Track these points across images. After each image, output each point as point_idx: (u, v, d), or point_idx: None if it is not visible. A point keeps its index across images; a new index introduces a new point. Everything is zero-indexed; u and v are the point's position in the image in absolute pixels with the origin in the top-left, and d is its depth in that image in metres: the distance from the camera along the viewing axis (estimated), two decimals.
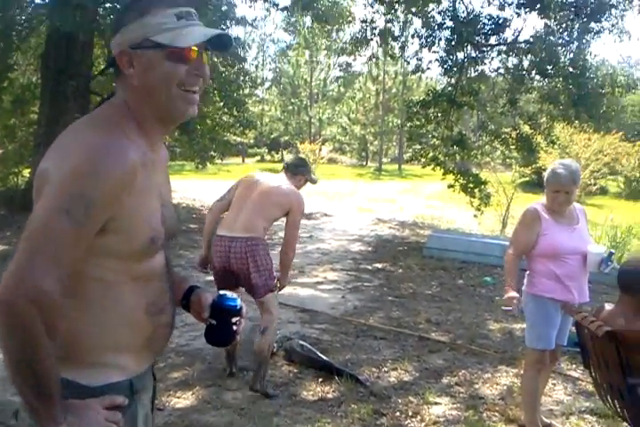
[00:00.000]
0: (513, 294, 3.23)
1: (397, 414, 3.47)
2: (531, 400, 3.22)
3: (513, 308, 3.32)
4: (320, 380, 3.90)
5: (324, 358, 4.12)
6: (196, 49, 1.27)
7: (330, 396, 3.69)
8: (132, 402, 1.30)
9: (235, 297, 1.49)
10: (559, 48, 10.66)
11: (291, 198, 3.92)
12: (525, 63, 11.08)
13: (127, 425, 1.27)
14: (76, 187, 1.14)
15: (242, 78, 14.07)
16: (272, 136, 40.34)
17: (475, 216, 11.74)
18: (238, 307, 1.47)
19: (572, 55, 10.70)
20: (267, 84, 42.99)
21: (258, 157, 40.48)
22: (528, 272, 3.30)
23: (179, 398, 3.60)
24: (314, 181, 4.33)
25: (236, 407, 3.48)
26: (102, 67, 12.88)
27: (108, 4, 10.60)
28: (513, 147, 11.84)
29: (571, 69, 10.43)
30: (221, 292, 1.51)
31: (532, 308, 3.23)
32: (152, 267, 1.32)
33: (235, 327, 1.48)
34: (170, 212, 1.36)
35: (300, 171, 4.14)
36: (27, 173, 12.06)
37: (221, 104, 13.39)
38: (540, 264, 3.20)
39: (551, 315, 3.14)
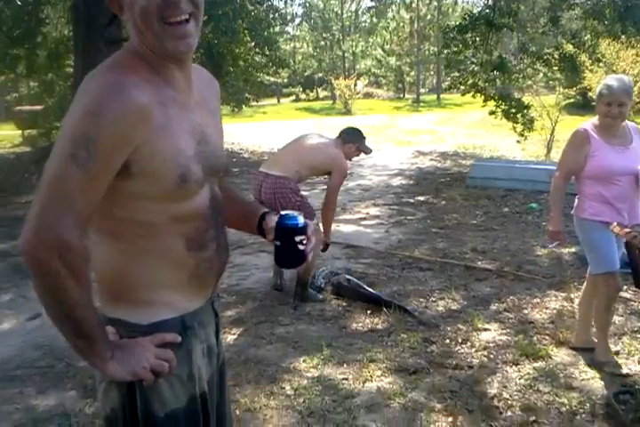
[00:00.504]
0: (557, 228, 3.19)
1: (447, 341, 3.53)
2: (604, 324, 3.18)
3: (559, 242, 3.29)
4: (369, 312, 3.98)
5: (372, 291, 4.19)
6: None
7: (379, 327, 3.77)
8: (186, 338, 1.32)
9: (295, 215, 1.42)
10: None
11: (335, 161, 4.14)
12: None
13: (182, 361, 1.30)
14: (78, 130, 1.14)
15: (271, 16, 13.76)
16: (305, 74, 39.65)
17: (518, 142, 11.45)
18: (300, 225, 1.40)
19: None
20: (297, 21, 41.90)
21: (293, 97, 39.99)
22: (578, 196, 3.21)
23: (234, 334, 3.73)
24: (367, 151, 4.47)
25: (290, 341, 3.60)
26: None
27: None
28: (556, 68, 11.40)
29: None
30: (283, 212, 1.45)
31: (585, 233, 3.16)
32: (193, 207, 1.30)
33: (301, 247, 1.42)
34: (211, 148, 1.32)
35: (350, 139, 4.32)
36: None
37: (252, 44, 13.16)
38: (589, 187, 3.11)
39: (606, 236, 3.04)
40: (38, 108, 15.27)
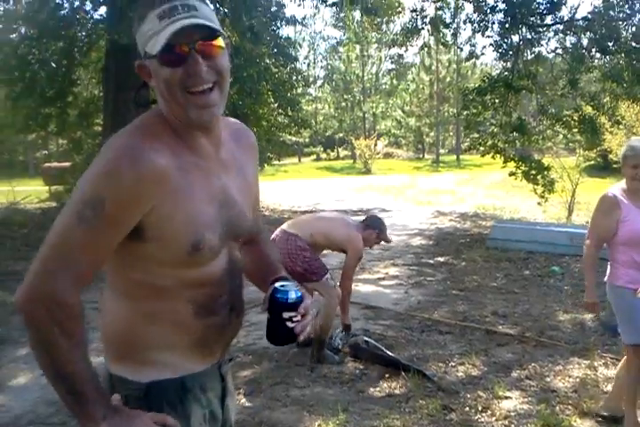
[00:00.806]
0: (592, 299, 3.14)
1: (467, 409, 3.43)
2: (633, 396, 3.04)
3: (596, 313, 3.24)
4: (387, 376, 3.89)
5: (390, 354, 4.11)
6: (185, 48, 1.17)
7: (397, 392, 3.69)
8: (185, 402, 1.30)
9: (287, 289, 1.31)
10: (620, 23, 10.22)
11: (350, 240, 4.28)
12: (584, 41, 10.72)
13: (180, 424, 1.26)
14: (90, 189, 1.16)
15: (294, 78, 14.18)
16: (327, 134, 40.50)
17: (539, 204, 11.43)
18: (290, 300, 1.29)
19: (634, 29, 10.24)
20: (319, 82, 43.17)
21: (314, 156, 40.69)
22: (610, 262, 3.13)
23: (248, 395, 3.67)
24: (387, 240, 4.62)
25: (305, 404, 3.52)
26: None
27: None
28: (576, 130, 11.46)
29: (634, 44, 9.98)
30: (278, 284, 1.35)
31: (620, 302, 3.06)
32: (206, 273, 1.28)
33: (290, 324, 1.30)
34: (235, 212, 1.31)
35: (372, 225, 4.47)
36: None
37: (276, 105, 13.53)
38: (623, 254, 3.03)
39: None
40: (66, 164, 15.69)
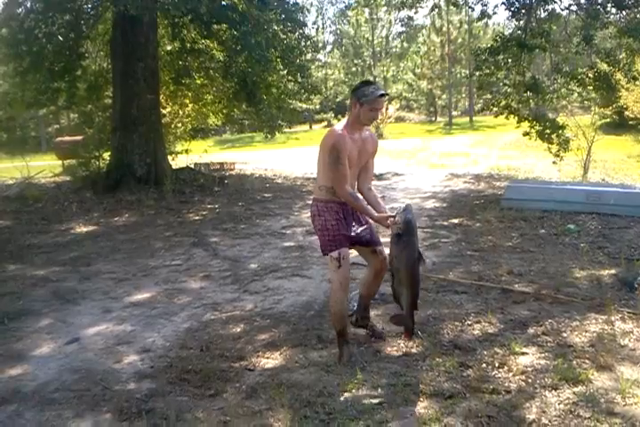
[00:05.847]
0: None
1: (484, 365, 3.45)
2: None
3: None
4: (403, 335, 3.92)
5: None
6: None
7: (414, 351, 3.72)
8: None
9: None
10: None
11: (324, 138, 3.70)
12: None
13: None
14: None
15: (303, 44, 13.93)
16: (337, 100, 40.07)
17: (554, 163, 11.31)
18: None
19: None
20: (328, 48, 42.55)
21: (325, 123, 40.36)
22: None
23: (267, 358, 3.72)
24: (372, 98, 3.56)
25: (323, 365, 3.56)
26: (168, 46, 13.11)
27: None
28: (591, 87, 11.25)
29: None
30: None
31: None
32: None
33: None
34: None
35: (352, 97, 3.62)
36: (106, 155, 12.54)
37: (285, 72, 13.36)
38: None
39: None
40: (78, 138, 15.71)
